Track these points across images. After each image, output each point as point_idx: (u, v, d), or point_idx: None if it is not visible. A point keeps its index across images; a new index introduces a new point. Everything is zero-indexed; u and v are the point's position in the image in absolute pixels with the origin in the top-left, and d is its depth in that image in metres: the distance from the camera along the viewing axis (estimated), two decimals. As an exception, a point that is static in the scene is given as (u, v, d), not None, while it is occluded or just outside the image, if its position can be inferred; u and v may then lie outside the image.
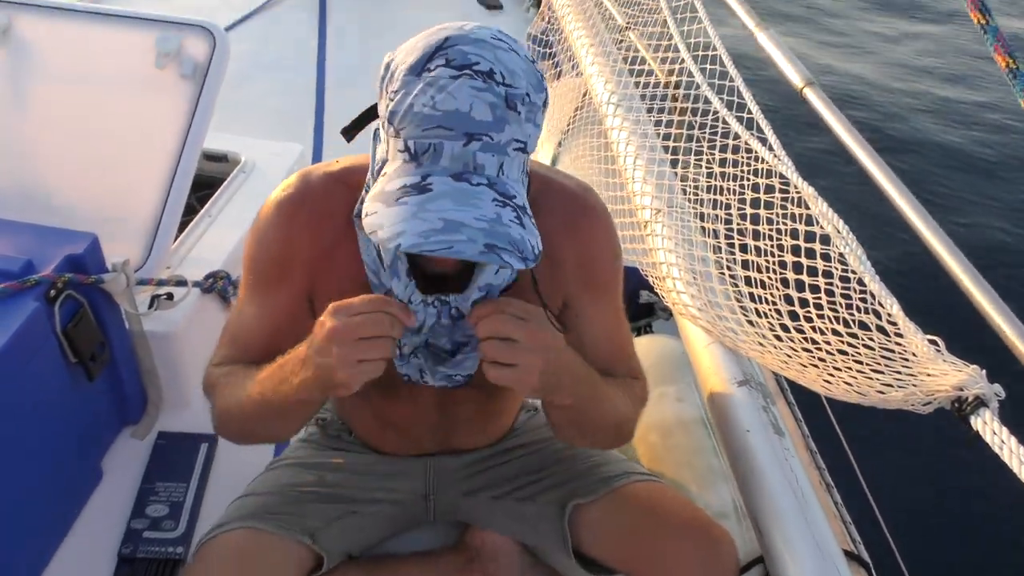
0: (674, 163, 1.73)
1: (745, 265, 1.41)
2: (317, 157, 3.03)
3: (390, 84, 0.92)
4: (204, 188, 2.27)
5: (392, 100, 0.91)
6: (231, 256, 2.01)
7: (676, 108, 1.79)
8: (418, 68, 0.89)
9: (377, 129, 1.01)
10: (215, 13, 3.92)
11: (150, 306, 1.78)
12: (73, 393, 1.59)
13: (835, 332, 1.20)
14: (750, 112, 1.54)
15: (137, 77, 1.98)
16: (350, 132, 1.07)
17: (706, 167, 1.61)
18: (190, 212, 2.07)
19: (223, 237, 2.08)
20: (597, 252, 1.19)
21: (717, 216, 1.53)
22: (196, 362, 1.90)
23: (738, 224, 1.46)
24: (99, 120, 1.96)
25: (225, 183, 2.26)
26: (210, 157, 2.35)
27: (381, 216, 0.86)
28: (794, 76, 1.51)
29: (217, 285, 1.89)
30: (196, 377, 1.90)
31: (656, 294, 1.63)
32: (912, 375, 1.06)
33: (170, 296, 1.80)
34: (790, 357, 1.30)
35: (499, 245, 0.84)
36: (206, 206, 2.17)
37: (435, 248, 0.82)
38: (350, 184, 1.09)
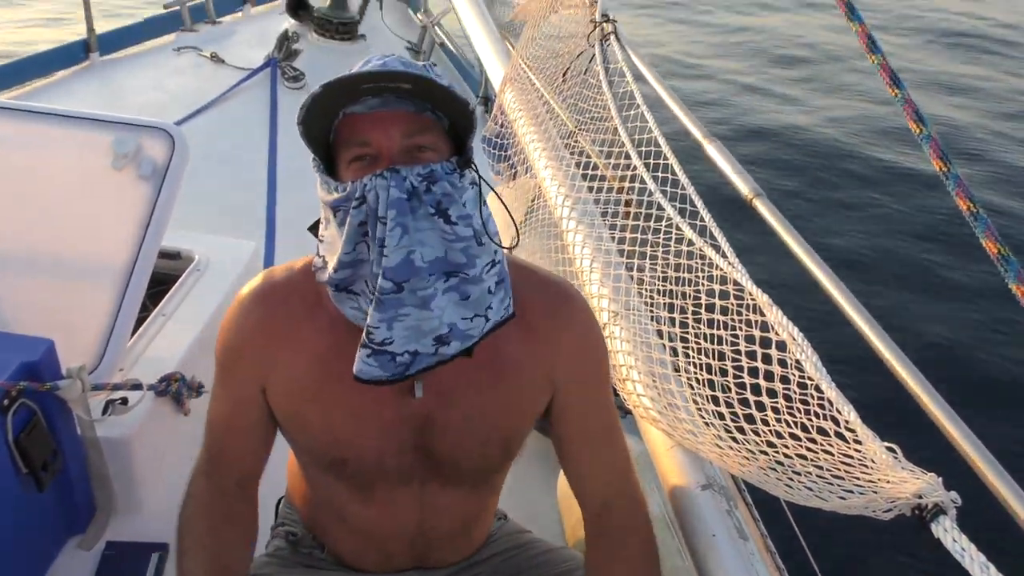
0: (629, 267, 1.77)
1: (703, 369, 1.45)
2: (269, 253, 3.02)
3: None
4: (157, 285, 2.25)
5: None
6: (186, 356, 1.99)
7: (630, 213, 1.85)
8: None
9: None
10: (165, 109, 3.94)
11: (104, 411, 1.74)
12: (21, 503, 1.53)
13: (794, 437, 1.24)
14: (703, 220, 1.60)
15: (94, 179, 1.98)
16: (316, 227, 1.13)
17: (661, 271, 1.66)
18: (143, 310, 2.04)
19: (177, 337, 2.06)
20: (592, 342, 1.24)
21: (674, 320, 1.57)
22: (149, 466, 1.86)
23: (695, 328, 1.50)
24: (55, 222, 1.94)
25: (179, 281, 2.24)
26: (163, 255, 2.34)
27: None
28: (743, 187, 1.58)
29: (172, 388, 1.86)
30: (149, 481, 1.86)
31: (617, 394, 1.65)
32: (872, 481, 1.10)
33: (124, 400, 1.77)
34: (748, 460, 1.33)
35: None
36: (160, 304, 2.15)
37: None
38: (311, 272, 1.14)
